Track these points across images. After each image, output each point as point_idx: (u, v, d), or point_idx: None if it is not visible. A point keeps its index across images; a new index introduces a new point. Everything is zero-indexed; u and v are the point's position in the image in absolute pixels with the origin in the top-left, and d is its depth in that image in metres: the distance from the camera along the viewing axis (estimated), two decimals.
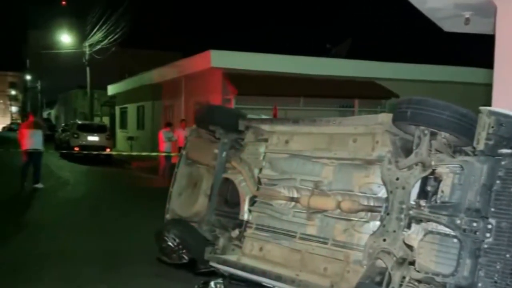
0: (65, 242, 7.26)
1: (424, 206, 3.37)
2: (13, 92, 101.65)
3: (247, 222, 4.78)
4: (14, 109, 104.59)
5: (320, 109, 16.48)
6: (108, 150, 21.00)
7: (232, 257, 4.80)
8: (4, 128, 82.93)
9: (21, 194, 11.93)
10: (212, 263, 4.95)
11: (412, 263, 3.34)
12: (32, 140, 12.36)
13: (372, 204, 3.82)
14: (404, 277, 3.30)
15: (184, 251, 5.42)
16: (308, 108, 16.56)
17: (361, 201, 3.84)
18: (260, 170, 4.76)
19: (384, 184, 3.62)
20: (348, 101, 17.94)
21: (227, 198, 5.26)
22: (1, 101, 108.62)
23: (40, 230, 8.07)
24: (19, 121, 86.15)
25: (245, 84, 15.86)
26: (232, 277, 4.85)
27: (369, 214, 3.83)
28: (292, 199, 4.29)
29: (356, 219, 3.87)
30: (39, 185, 12.65)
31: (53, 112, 57.11)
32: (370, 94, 17.64)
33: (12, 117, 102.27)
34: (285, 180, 4.44)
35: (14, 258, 6.21)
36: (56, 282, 5.42)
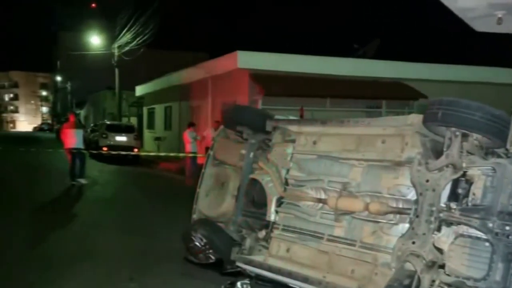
0: (95, 241, 7.40)
1: (455, 209, 3.31)
2: (44, 93, 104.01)
3: (274, 223, 4.77)
4: (44, 109, 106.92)
5: (346, 110, 16.37)
6: (135, 150, 21.27)
7: (258, 258, 4.79)
8: (35, 128, 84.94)
9: (55, 193, 12.18)
10: (238, 264, 4.96)
11: (442, 266, 3.28)
12: (74, 139, 13.15)
13: (401, 206, 3.76)
14: (433, 281, 3.25)
15: (211, 251, 5.43)
16: (334, 109, 16.48)
17: (390, 203, 3.79)
18: (288, 171, 4.75)
19: (414, 186, 3.57)
20: (375, 102, 17.78)
21: (254, 199, 5.26)
22: (33, 101, 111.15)
23: (71, 229, 8.25)
24: (49, 121, 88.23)
25: (272, 85, 15.87)
26: (258, 277, 4.85)
27: (397, 216, 3.77)
28: (319, 200, 4.26)
29: (384, 221, 3.82)
30: (83, 181, 13.36)
31: (82, 112, 58.10)
32: (397, 95, 17.44)
33: (42, 117, 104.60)
34: (312, 181, 4.41)
35: (49, 256, 6.36)
36: (87, 280, 5.52)
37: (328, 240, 4.19)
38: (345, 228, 4.10)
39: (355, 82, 17.07)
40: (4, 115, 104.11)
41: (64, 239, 7.45)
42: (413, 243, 3.40)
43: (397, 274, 3.49)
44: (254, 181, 5.18)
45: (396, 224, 3.78)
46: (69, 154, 13.43)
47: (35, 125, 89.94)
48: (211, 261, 5.48)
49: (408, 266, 3.43)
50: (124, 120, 33.14)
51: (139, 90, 32.07)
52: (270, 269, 4.51)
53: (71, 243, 7.20)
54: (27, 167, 18.25)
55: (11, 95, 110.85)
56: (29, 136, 52.13)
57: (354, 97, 16.92)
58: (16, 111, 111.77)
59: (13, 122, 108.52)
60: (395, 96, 17.39)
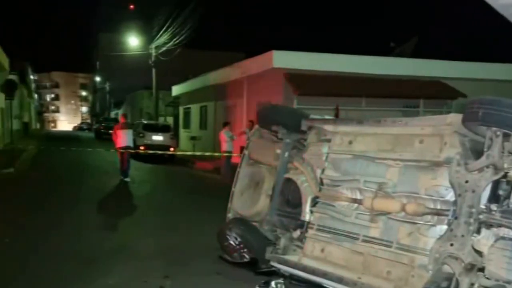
0: (131, 237, 7.54)
1: (495, 211, 3.23)
2: (83, 93, 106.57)
3: (309, 223, 4.75)
4: (84, 109, 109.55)
5: (383, 109, 16.14)
6: (172, 149, 21.52)
7: (293, 258, 4.78)
8: (74, 127, 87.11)
9: (93, 191, 12.46)
10: (273, 263, 4.96)
11: (482, 269, 3.20)
12: (125, 138, 14.03)
13: (439, 207, 3.69)
14: (472, 284, 3.17)
15: (245, 250, 5.45)
16: (370, 108, 16.27)
17: (427, 204, 3.72)
18: (323, 170, 4.72)
19: (452, 187, 3.49)
20: (413, 101, 17.46)
21: (288, 199, 5.25)
22: (73, 101, 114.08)
23: (108, 225, 8.41)
24: (88, 120, 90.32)
25: (307, 84, 15.81)
26: (292, 277, 4.84)
27: (435, 217, 3.70)
28: (355, 200, 4.22)
29: (421, 222, 3.75)
30: (127, 179, 14.16)
31: (120, 112, 59.23)
32: (435, 94, 17.09)
33: (82, 117, 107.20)
34: (348, 181, 4.37)
35: (89, 252, 6.51)
36: (124, 276, 5.63)
37: (364, 240, 4.14)
38: (381, 229, 4.05)
39: (392, 81, 16.82)
40: (46, 114, 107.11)
41: (101, 235, 7.62)
42: (452, 245, 3.32)
43: (434, 277, 3.43)
44: (289, 181, 5.17)
45: (433, 225, 3.71)
46: (120, 153, 14.26)
47: (75, 125, 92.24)
48: (245, 260, 5.49)
49: (446, 268, 3.36)
50: (161, 120, 33.61)
51: (176, 90, 32.48)
52: (304, 269, 4.50)
53: (108, 239, 7.35)
54: (69, 165, 18.73)
55: (53, 95, 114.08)
56: (69, 135, 53.51)
57: (391, 96, 16.67)
58: (57, 110, 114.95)
59: (54, 121, 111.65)
60: (433, 95, 17.05)
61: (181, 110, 32.54)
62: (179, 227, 8.40)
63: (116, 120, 48.42)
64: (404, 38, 26.41)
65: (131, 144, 14.74)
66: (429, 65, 17.82)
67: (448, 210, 3.55)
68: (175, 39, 26.64)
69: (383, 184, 4.09)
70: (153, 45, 29.99)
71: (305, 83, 15.87)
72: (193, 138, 26.85)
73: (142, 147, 21.18)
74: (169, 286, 5.36)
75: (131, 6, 60.44)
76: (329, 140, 4.77)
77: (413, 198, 3.83)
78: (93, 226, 8.32)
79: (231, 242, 5.55)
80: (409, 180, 3.94)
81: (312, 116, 5.15)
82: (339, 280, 4.10)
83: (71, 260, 6.11)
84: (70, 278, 5.47)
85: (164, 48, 29.07)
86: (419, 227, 3.77)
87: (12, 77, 24.85)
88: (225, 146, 15.35)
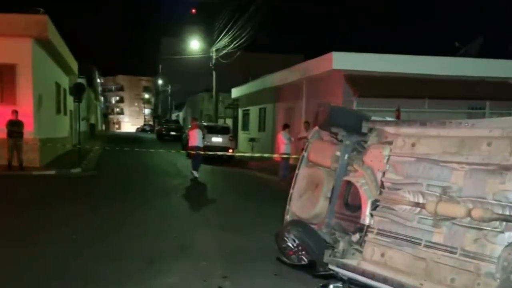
0: (191, 237, 7.67)
1: None
2: (146, 96, 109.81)
3: (369, 226, 4.68)
4: (146, 111, 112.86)
5: (446, 111, 15.58)
6: (231, 151, 21.74)
7: (352, 261, 4.72)
8: (137, 129, 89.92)
9: (153, 191, 12.81)
10: (331, 266, 4.91)
11: None
12: (196, 139, 15.61)
13: (507, 213, 3.53)
14: None
15: (303, 252, 5.43)
16: (433, 110, 15.78)
17: (495, 210, 3.57)
18: (384, 173, 4.63)
19: None
20: (478, 102, 16.77)
21: (348, 201, 5.19)
22: (136, 104, 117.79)
23: (169, 225, 8.59)
24: (151, 122, 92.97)
25: (367, 85, 15.55)
26: (351, 281, 4.77)
27: (504, 223, 3.54)
28: (417, 204, 4.11)
29: (488, 228, 3.60)
30: (196, 174, 15.13)
31: (181, 114, 60.60)
32: (503, 95, 16.32)
33: (144, 118, 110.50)
34: (410, 185, 4.27)
35: (151, 251, 6.68)
36: (184, 275, 5.73)
37: (426, 246, 4.03)
38: (444, 234, 3.92)
39: (456, 82, 16.25)
40: (111, 116, 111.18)
41: (163, 234, 7.79)
42: None
43: (502, 285, 3.28)
44: (348, 184, 5.11)
45: (502, 232, 3.56)
46: (191, 152, 15.73)
47: (138, 126, 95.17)
48: (303, 262, 5.47)
49: None
50: (220, 122, 34.07)
51: (235, 92, 32.86)
52: (364, 273, 4.43)
53: (169, 239, 7.52)
54: (132, 165, 19.34)
55: (117, 98, 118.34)
56: (132, 136, 55.29)
57: (455, 97, 16.10)
58: (121, 112, 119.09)
59: (119, 123, 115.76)
60: (500, 96, 16.30)
61: (240, 112, 32.88)
62: (238, 228, 8.47)
63: (177, 122, 49.79)
64: (469, 38, 25.50)
65: (200, 144, 15.86)
66: (496, 65, 17.08)
67: None
68: (235, 42, 26.92)
69: (447, 188, 3.96)
70: (213, 48, 30.47)
71: (365, 85, 15.63)
72: (251, 140, 27.03)
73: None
74: (228, 286, 5.41)
75: (193, 10, 61.80)
76: (390, 143, 4.68)
77: (480, 203, 3.69)
78: (155, 225, 8.54)
79: (289, 244, 5.54)
80: (476, 184, 3.79)
81: (373, 117, 5.06)
82: (400, 286, 4.00)
83: (134, 259, 6.29)
84: (132, 276, 5.63)
85: (224, 51, 29.46)
86: (486, 234, 3.63)
87: (81, 80, 25.96)
88: (283, 148, 15.36)
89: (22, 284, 5.25)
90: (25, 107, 15.62)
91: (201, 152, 15.82)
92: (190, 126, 18.34)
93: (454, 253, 3.79)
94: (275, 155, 17.48)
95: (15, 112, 14.83)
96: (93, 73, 50.86)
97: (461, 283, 3.69)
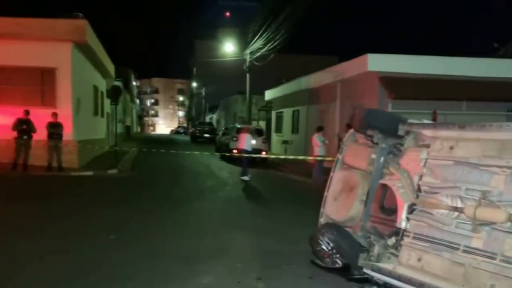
0: (225, 239, 7.72)
1: None
2: (180, 98, 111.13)
3: (405, 230, 4.62)
4: (180, 113, 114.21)
5: (485, 113, 15.24)
6: (264, 153, 21.78)
7: (387, 266, 4.66)
8: (172, 131, 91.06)
9: (188, 192, 12.95)
10: (366, 270, 4.87)
11: None
12: (244, 143, 15.99)
13: None
14: None
15: (338, 255, 5.40)
16: (471, 112, 15.44)
17: None
18: (421, 177, 4.56)
19: None
20: None
21: (383, 205, 5.14)
22: (170, 106, 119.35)
23: (204, 226, 8.67)
24: (185, 124, 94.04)
25: (403, 87, 15.36)
26: (386, 286, 4.72)
27: None
28: (455, 208, 4.04)
29: None
30: (246, 178, 15.39)
31: (214, 116, 61.09)
32: None
33: (179, 121, 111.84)
34: (448, 189, 4.19)
35: (187, 252, 6.76)
36: (219, 276, 5.78)
37: (465, 251, 3.96)
38: (484, 239, 3.84)
39: (495, 84, 15.86)
40: (146, 118, 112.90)
41: (199, 235, 7.88)
42: None
43: None
44: (384, 187, 5.06)
45: None
46: (240, 155, 16.16)
47: (172, 128, 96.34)
48: (337, 266, 5.44)
49: None
50: (254, 124, 34.18)
51: (268, 95, 32.92)
52: (399, 278, 4.37)
53: (206, 240, 7.59)
54: (168, 167, 19.60)
55: (152, 100, 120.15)
56: (167, 138, 56.01)
57: (494, 99, 15.72)
58: (156, 115, 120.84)
59: (153, 125, 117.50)
60: None
61: (273, 114, 32.91)
62: (272, 230, 8.48)
63: (210, 124, 50.25)
64: (508, 38, 24.83)
65: (248, 148, 16.12)
66: None
67: None
68: (269, 45, 26.94)
69: (487, 192, 3.88)
70: (247, 51, 30.59)
71: (400, 87, 15.44)
72: (284, 142, 27.01)
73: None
74: None
75: (227, 14, 62.27)
76: (428, 145, 4.61)
77: None
78: (190, 226, 8.63)
79: (324, 247, 5.52)
80: None
81: (410, 120, 5.00)
82: None
83: (169, 258, 6.38)
84: (169, 276, 5.71)
85: (258, 54, 29.54)
86: None
87: (117, 83, 26.47)
88: (317, 151, 15.30)
89: (64, 282, 5.40)
90: (64, 109, 16.06)
91: (246, 155, 15.98)
92: (239, 129, 19.09)
93: (494, 258, 3.71)
94: (309, 158, 17.41)
95: (55, 114, 15.25)
96: (129, 76, 51.83)
97: None
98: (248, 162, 16.08)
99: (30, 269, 5.76)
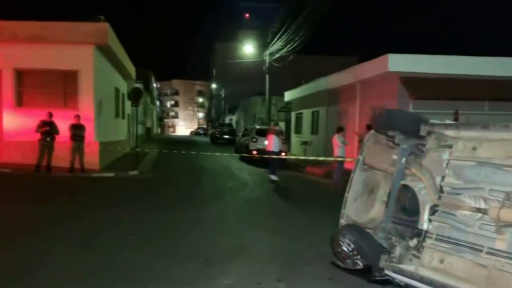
0: (245, 239, 7.73)
1: None
2: (200, 100, 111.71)
3: (427, 231, 4.58)
4: (200, 115, 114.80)
5: (508, 113, 15.00)
6: (283, 154, 21.76)
7: (409, 267, 4.63)
8: (191, 132, 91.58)
9: (207, 193, 13.01)
10: (387, 272, 4.84)
11: None
12: (272, 144, 16.18)
13: None
14: None
15: (358, 257, 5.38)
16: (494, 112, 15.22)
17: None
18: (443, 178, 4.52)
19: None
20: None
21: (405, 206, 5.10)
22: (190, 108, 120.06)
23: (224, 227, 8.71)
24: (204, 126, 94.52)
25: (423, 88, 15.21)
26: (408, 287, 4.69)
27: None
28: (478, 210, 4.00)
29: None
30: (274, 177, 15.63)
31: (234, 117, 61.23)
32: None
33: (198, 122, 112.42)
34: (471, 190, 4.15)
35: (207, 252, 6.80)
36: (240, 277, 5.80)
37: (488, 253, 3.91)
38: (508, 241, 3.80)
39: None
40: (166, 120, 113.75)
41: (219, 236, 7.91)
42: None
43: None
44: (406, 188, 5.02)
45: None
46: (269, 156, 16.37)
47: (192, 130, 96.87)
48: (358, 267, 5.42)
49: None
50: (272, 125, 34.13)
51: (288, 96, 32.88)
52: (421, 279, 4.34)
53: (226, 241, 7.61)
54: (188, 168, 19.72)
55: (172, 102, 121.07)
56: (186, 139, 56.36)
57: None
58: (176, 116, 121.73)
59: (173, 126, 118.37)
60: None
61: (293, 115, 32.86)
62: (292, 231, 8.48)
63: (230, 125, 50.39)
64: None
65: (275, 150, 16.43)
66: None
67: None
68: (288, 46, 26.91)
69: (511, 193, 3.83)
70: (267, 52, 30.62)
71: (421, 87, 15.28)
72: (304, 143, 26.94)
73: (254, 152, 21.67)
74: None
75: (247, 15, 62.41)
76: (450, 146, 4.57)
77: None
78: (210, 226, 8.68)
79: (344, 249, 5.51)
80: None
81: (432, 120, 4.96)
82: None
83: (190, 259, 6.42)
84: (189, 277, 5.74)
85: (277, 55, 29.53)
86: None
87: (138, 85, 26.73)
88: (337, 151, 15.23)
89: (82, 282, 5.48)
90: (86, 111, 16.28)
91: (274, 157, 16.22)
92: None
93: None
94: (329, 159, 17.36)
95: (78, 116, 15.47)
96: (150, 78, 52.24)
97: None
98: (276, 162, 16.27)
99: (55, 264, 5.87)
